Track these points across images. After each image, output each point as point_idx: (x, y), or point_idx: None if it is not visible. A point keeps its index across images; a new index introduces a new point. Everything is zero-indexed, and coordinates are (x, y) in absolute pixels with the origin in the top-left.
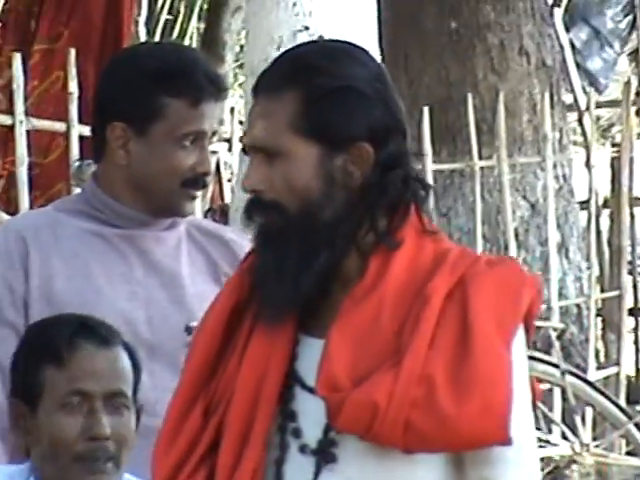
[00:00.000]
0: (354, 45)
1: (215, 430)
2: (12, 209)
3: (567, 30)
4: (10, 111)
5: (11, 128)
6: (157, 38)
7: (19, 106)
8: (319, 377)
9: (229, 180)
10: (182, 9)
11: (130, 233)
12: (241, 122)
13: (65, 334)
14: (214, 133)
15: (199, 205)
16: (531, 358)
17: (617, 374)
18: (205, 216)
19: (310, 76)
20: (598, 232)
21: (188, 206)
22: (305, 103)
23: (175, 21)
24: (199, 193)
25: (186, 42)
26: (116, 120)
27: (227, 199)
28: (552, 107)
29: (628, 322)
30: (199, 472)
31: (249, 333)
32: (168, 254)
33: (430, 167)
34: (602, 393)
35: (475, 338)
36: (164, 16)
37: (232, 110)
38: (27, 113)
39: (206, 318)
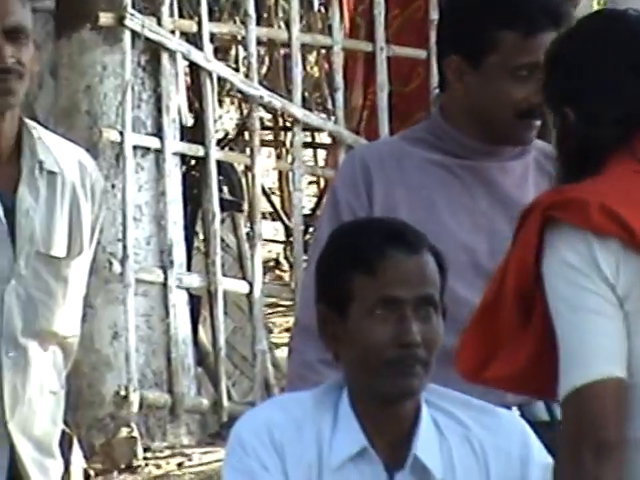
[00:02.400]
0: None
1: None
2: (374, 138)
3: None
4: (371, 38)
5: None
6: None
7: (380, 33)
8: None
9: None
10: None
11: (474, 164)
12: None
13: (375, 242)
14: None
15: None
16: None
17: None
18: None
19: None
20: None
21: (527, 135)
22: None
23: None
24: (538, 122)
25: None
26: (452, 53)
27: None
28: None
29: None
30: None
31: None
32: (514, 184)
33: None
34: None
35: None
36: None
37: None
38: (387, 41)
39: None
